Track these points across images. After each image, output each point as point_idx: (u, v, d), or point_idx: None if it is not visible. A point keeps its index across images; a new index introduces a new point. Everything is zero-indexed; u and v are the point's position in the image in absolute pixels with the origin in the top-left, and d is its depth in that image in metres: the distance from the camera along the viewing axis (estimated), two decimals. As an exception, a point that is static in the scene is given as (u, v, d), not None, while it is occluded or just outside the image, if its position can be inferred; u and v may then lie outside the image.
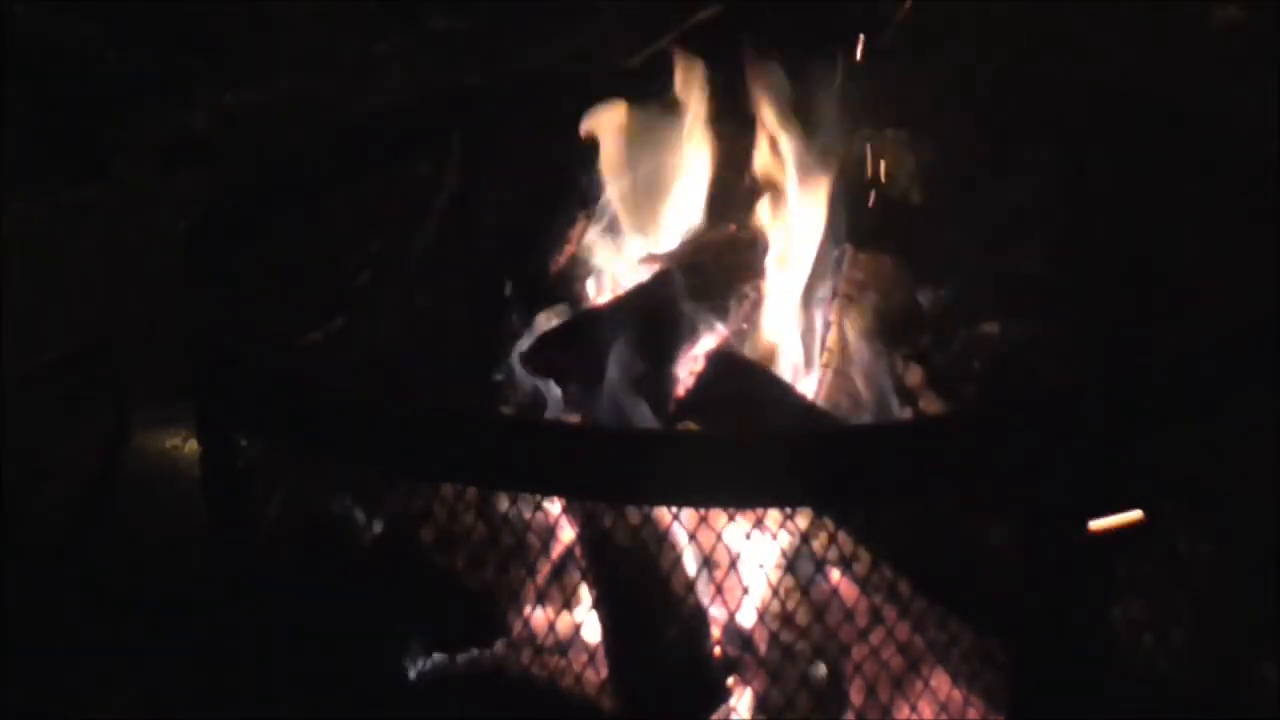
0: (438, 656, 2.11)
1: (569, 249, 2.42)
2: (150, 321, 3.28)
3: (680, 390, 2.17)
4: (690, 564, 2.01)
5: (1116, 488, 1.87)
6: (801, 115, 2.36)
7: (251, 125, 4.30)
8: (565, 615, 2.05)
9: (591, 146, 2.40)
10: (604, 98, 2.42)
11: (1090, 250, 2.40)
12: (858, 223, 2.36)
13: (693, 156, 2.43)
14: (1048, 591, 1.87)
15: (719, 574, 1.98)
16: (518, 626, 2.09)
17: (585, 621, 2.03)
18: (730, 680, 2.04)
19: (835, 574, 2.03)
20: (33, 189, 4.14)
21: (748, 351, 2.27)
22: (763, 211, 2.37)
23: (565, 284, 2.40)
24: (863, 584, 2.01)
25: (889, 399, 2.22)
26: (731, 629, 2.03)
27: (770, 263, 2.34)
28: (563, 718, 2.04)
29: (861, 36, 2.52)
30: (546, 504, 2.03)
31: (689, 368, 2.20)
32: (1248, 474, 2.06)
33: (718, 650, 2.04)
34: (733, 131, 2.40)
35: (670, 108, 2.40)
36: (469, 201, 2.49)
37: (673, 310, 2.22)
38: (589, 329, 2.20)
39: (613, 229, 2.44)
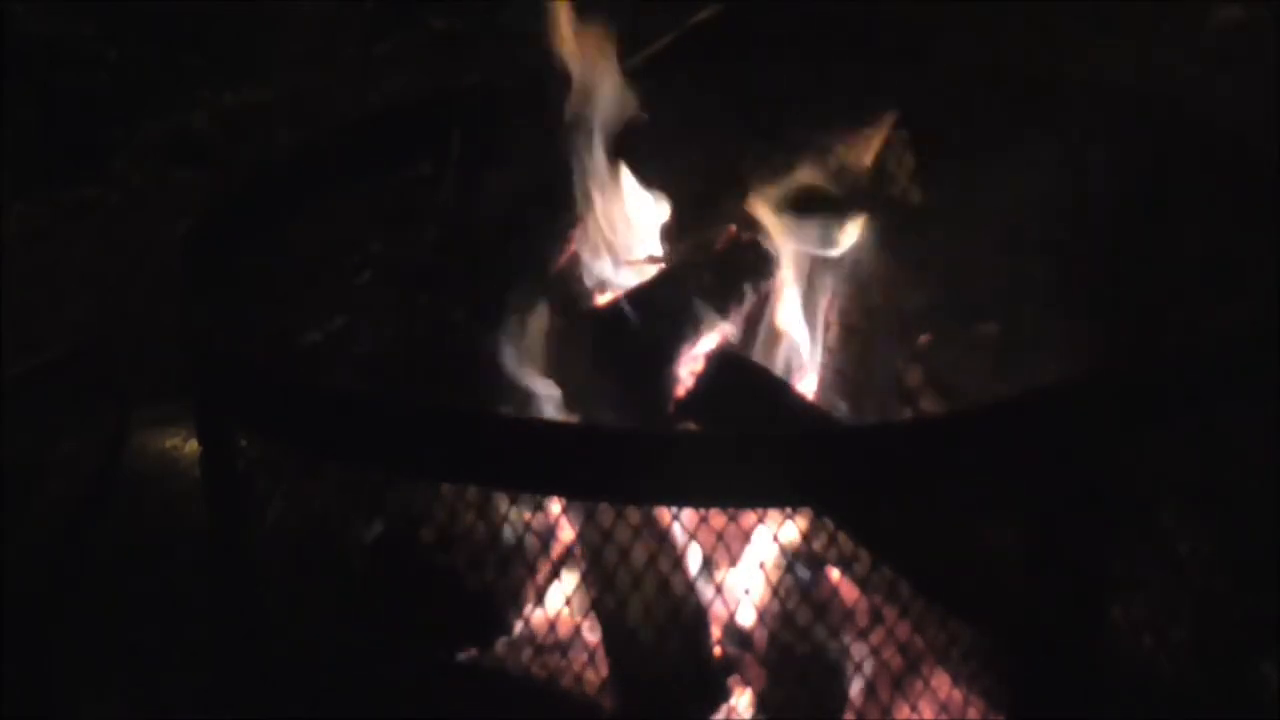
0: (438, 656, 2.11)
1: (569, 249, 2.42)
2: (150, 321, 3.28)
3: (680, 390, 2.17)
4: (690, 564, 2.01)
5: (1116, 487, 1.87)
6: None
7: (251, 125, 4.30)
8: (565, 615, 2.05)
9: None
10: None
11: (1090, 250, 2.39)
12: (854, 219, 2.36)
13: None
14: (1048, 591, 1.87)
15: (719, 574, 1.98)
16: (518, 626, 2.09)
17: (585, 621, 2.03)
18: (730, 680, 2.04)
19: (835, 574, 2.03)
20: (33, 189, 4.14)
21: (748, 352, 2.27)
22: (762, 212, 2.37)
23: (565, 284, 2.40)
24: (863, 584, 2.01)
25: (889, 399, 2.22)
26: (731, 629, 2.03)
27: (770, 263, 2.33)
28: (563, 718, 2.04)
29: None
30: (546, 504, 2.03)
31: (689, 368, 2.20)
32: (1248, 474, 2.06)
33: (718, 650, 2.04)
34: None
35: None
36: (469, 201, 2.49)
37: (674, 310, 2.23)
38: (589, 328, 2.20)
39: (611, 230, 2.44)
